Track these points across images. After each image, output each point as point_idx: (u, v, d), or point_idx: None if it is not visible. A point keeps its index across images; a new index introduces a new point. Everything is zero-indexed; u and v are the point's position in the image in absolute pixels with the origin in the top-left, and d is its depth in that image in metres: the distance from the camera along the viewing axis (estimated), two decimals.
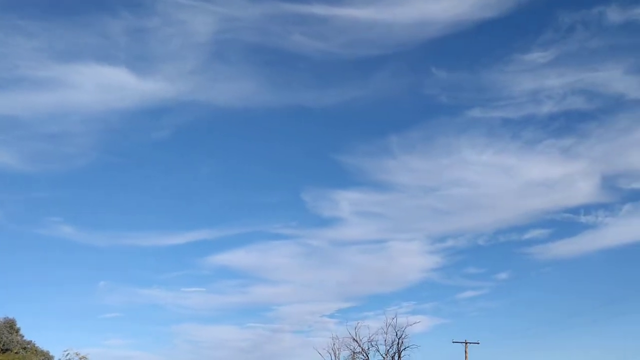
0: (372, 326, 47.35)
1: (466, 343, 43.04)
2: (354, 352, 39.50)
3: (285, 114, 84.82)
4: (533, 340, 63.54)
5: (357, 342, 39.28)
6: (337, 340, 40.59)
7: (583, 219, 67.65)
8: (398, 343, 38.39)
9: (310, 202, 77.85)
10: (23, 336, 42.50)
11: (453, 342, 43.45)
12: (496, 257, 74.85)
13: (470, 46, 78.69)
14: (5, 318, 41.88)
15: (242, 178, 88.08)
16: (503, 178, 72.12)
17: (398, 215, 77.97)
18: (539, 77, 69.00)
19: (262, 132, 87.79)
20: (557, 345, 62.17)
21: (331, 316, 68.93)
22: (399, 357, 38.33)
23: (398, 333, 38.36)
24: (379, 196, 76.56)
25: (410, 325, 38.73)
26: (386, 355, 38.49)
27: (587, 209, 67.86)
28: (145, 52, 74.93)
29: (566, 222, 69.46)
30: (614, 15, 64.25)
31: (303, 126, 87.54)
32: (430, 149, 76.33)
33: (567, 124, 71.21)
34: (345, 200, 76.50)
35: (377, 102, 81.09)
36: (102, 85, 72.09)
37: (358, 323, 39.96)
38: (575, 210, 68.83)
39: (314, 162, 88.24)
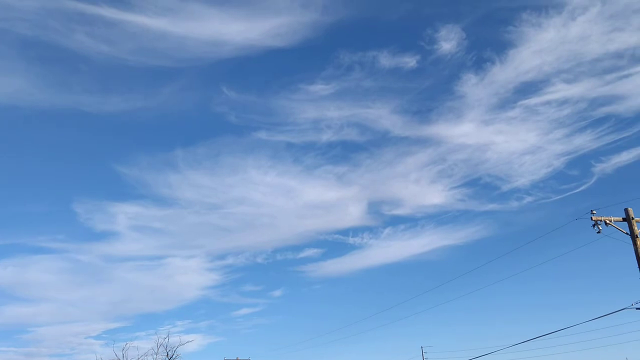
0: (143, 347, 45.97)
1: None
2: None
3: (60, 116, 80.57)
4: (304, 353, 70.51)
5: None
6: None
7: (351, 240, 74.83)
8: None
9: (83, 214, 75.87)
10: None
11: (225, 359, 44.63)
12: (273, 275, 79.88)
13: (261, 71, 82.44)
14: None
15: (1, 184, 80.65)
16: (284, 199, 77.33)
17: (179, 231, 79.31)
18: (321, 108, 74.85)
19: (30, 134, 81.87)
20: (326, 356, 66.21)
21: (97, 337, 67.80)
22: None
23: (169, 353, 37.47)
24: (160, 211, 77.55)
25: (183, 344, 37.62)
26: None
27: (355, 231, 75.23)
28: None
29: (337, 243, 76.19)
30: (385, 60, 72.45)
31: (80, 132, 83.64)
32: (216, 167, 78.78)
33: (343, 152, 78.36)
34: (123, 214, 75.80)
35: (164, 114, 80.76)
36: None
37: (127, 344, 38.07)
38: (345, 232, 75.62)
39: (91, 172, 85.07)
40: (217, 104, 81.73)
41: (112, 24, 72.84)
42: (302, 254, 79.30)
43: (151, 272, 78.77)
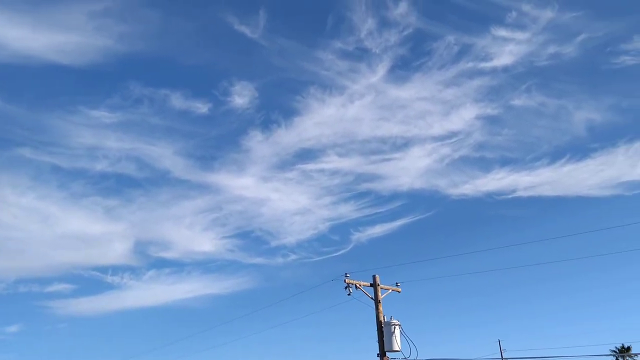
0: None
1: None
2: None
3: None
4: None
5: None
6: None
7: (109, 278, 70.40)
8: None
9: None
10: None
11: None
12: (11, 308, 72.51)
13: (37, 84, 76.02)
14: None
15: None
16: (39, 225, 71.01)
17: None
18: (100, 136, 71.17)
19: None
20: None
21: None
22: None
23: None
24: None
25: None
26: None
27: (115, 269, 72.54)
28: None
29: (93, 280, 71.79)
30: (177, 101, 72.87)
31: None
32: None
33: (117, 186, 75.12)
34: None
35: None
36: None
37: None
38: (104, 270, 72.45)
39: None
40: None
41: None
42: (51, 288, 68.70)
43: None
